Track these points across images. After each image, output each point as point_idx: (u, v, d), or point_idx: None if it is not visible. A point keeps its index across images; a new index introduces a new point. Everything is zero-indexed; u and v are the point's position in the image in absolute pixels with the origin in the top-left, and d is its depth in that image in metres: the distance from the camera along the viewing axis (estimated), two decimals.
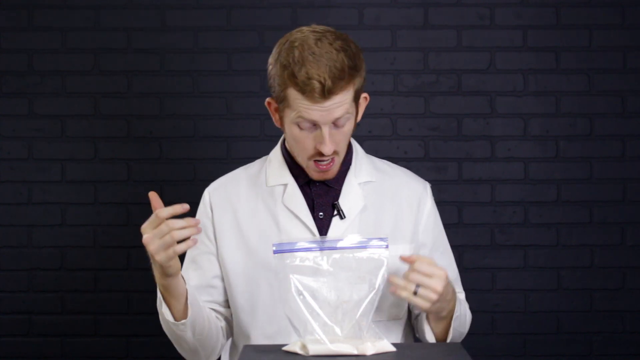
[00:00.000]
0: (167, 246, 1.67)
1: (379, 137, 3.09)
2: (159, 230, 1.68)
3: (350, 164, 1.95)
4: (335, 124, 1.80)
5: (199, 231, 1.68)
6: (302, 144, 1.84)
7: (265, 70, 3.07)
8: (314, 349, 1.59)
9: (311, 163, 1.85)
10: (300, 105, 1.78)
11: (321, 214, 1.89)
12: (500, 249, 3.11)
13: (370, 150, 3.03)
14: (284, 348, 1.65)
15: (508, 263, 3.11)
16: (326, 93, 1.75)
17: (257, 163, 2.02)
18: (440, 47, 3.11)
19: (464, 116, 3.11)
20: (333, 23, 2.72)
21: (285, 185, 1.92)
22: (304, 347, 1.61)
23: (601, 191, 3.11)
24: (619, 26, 3.10)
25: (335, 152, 1.84)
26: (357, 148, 1.99)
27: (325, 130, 1.79)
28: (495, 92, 3.11)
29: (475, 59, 3.11)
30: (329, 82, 1.75)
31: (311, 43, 1.78)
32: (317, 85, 1.75)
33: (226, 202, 1.95)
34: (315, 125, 1.80)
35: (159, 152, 3.10)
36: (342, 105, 1.79)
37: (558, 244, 3.11)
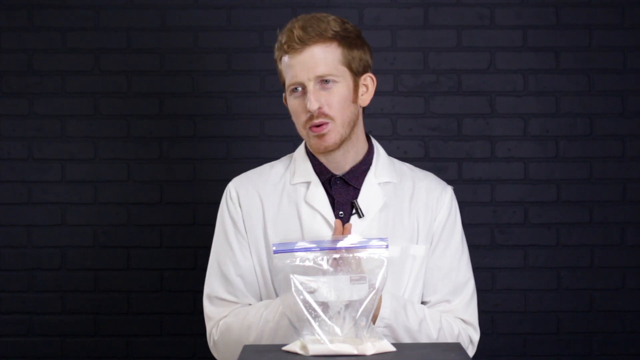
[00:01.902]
0: None
1: (379, 137, 3.07)
2: None
3: (370, 164, 1.97)
4: (321, 84, 1.85)
5: None
6: (296, 110, 1.89)
7: (265, 70, 3.09)
8: (314, 349, 1.59)
9: (308, 131, 1.88)
10: (287, 68, 1.87)
11: (341, 212, 1.92)
12: (500, 249, 3.11)
13: None
14: (284, 348, 1.65)
15: (508, 263, 3.11)
16: (297, 40, 1.83)
17: (282, 160, 2.04)
18: (440, 47, 3.11)
19: (464, 116, 3.11)
20: None
21: (309, 183, 1.95)
22: (304, 347, 1.61)
23: (601, 191, 3.10)
24: (619, 26, 3.10)
25: (325, 115, 1.86)
26: (379, 149, 2.01)
27: (310, 86, 1.85)
28: (495, 92, 3.11)
29: (475, 59, 3.11)
30: (299, 31, 1.83)
31: (303, 17, 1.89)
32: (290, 35, 1.84)
33: (254, 195, 1.97)
34: (304, 88, 1.86)
35: (159, 152, 3.10)
36: (324, 62, 1.84)
37: (558, 244, 3.11)
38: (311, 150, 1.94)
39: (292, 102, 1.89)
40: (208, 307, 1.96)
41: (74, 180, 3.10)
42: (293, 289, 1.64)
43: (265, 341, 1.84)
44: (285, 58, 1.87)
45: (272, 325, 1.83)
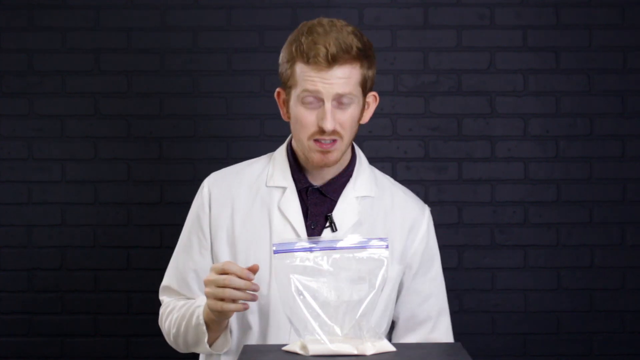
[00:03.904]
0: (218, 298, 1.71)
1: (379, 137, 3.08)
2: (217, 278, 1.71)
3: (350, 175, 1.93)
4: (339, 102, 1.81)
5: (253, 298, 1.72)
6: (305, 121, 1.82)
7: (265, 70, 3.09)
8: (314, 349, 1.59)
9: (312, 143, 1.84)
10: (306, 77, 1.80)
11: (313, 225, 1.88)
12: (500, 249, 3.11)
13: (370, 150, 3.03)
14: (284, 348, 1.65)
15: (508, 263, 3.11)
16: (330, 59, 1.78)
17: (262, 159, 2.00)
18: (440, 47, 3.11)
19: (464, 116, 3.11)
20: None
21: (284, 188, 1.91)
22: (304, 347, 1.61)
23: (601, 191, 3.10)
24: (619, 26, 3.10)
25: (337, 133, 1.82)
26: (361, 159, 1.97)
27: (328, 104, 1.80)
28: (495, 92, 3.11)
29: (475, 59, 3.11)
30: (332, 48, 1.77)
31: (324, 22, 1.83)
32: (321, 49, 1.77)
33: (226, 196, 1.93)
34: (318, 101, 1.80)
35: (159, 152, 3.10)
36: (346, 82, 1.80)
37: (558, 244, 3.11)
38: (309, 162, 1.88)
39: (301, 111, 1.83)
40: (161, 296, 2.00)
41: (74, 180, 3.10)
42: (293, 289, 1.64)
43: (179, 336, 1.89)
44: (304, 66, 1.81)
45: (184, 325, 1.87)
